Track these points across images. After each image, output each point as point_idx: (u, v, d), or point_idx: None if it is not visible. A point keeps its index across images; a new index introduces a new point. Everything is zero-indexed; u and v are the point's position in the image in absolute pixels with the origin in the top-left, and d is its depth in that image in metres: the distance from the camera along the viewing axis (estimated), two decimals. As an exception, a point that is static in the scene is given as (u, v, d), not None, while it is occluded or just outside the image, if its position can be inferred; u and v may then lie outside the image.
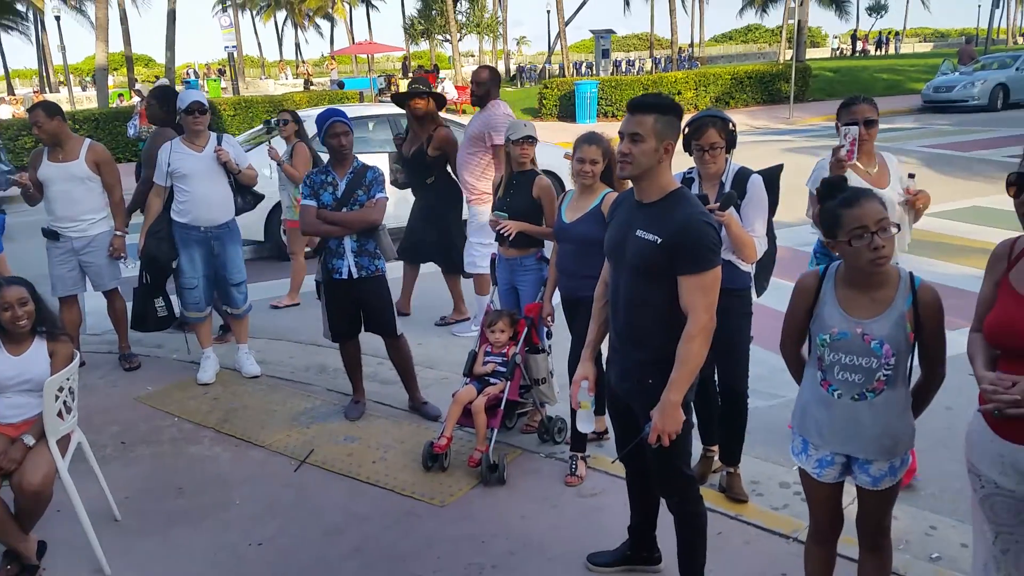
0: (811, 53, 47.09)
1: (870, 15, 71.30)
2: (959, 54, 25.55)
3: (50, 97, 32.86)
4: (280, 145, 6.98)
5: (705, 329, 2.51)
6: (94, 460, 3.58)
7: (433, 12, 44.15)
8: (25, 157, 12.22)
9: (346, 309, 4.50)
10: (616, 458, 3.00)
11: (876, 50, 53.79)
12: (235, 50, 27.46)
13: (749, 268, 3.50)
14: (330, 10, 62.10)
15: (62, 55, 35.02)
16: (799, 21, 22.46)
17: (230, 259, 5.20)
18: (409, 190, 6.32)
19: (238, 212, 5.29)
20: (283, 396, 5.00)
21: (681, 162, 2.93)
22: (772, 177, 3.49)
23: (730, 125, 3.35)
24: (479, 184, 5.69)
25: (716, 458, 3.80)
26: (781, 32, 47.34)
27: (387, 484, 3.91)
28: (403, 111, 6.14)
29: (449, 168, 6.03)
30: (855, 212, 2.30)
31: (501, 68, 46.21)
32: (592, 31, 34.81)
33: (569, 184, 4.82)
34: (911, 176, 3.59)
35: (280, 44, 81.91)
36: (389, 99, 7.05)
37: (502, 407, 4.02)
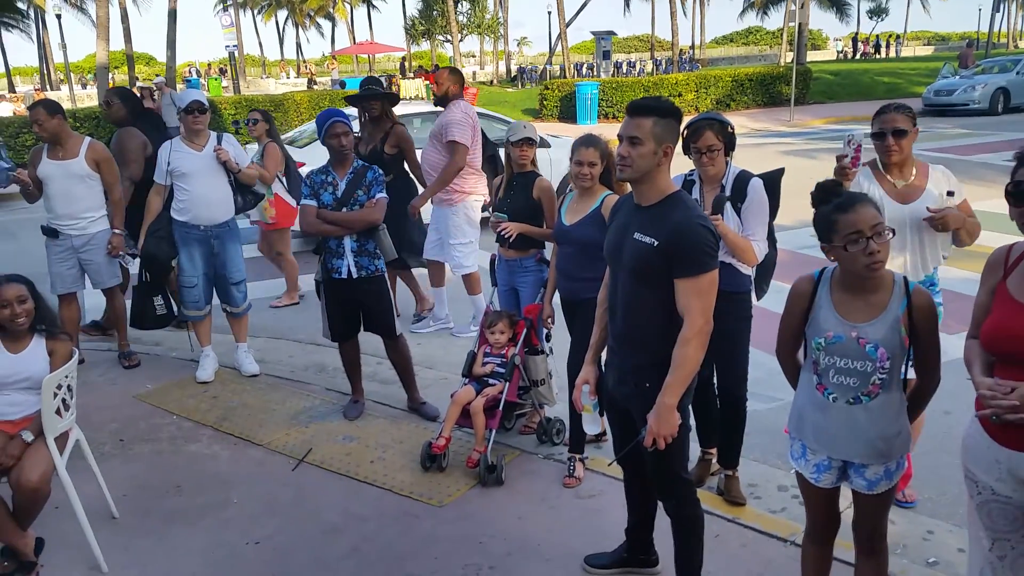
0: (813, 56, 47.21)
1: (871, 18, 71.41)
2: (960, 58, 25.56)
3: (51, 95, 32.82)
4: (252, 147, 6.72)
5: (701, 333, 2.51)
6: (92, 457, 3.59)
7: (434, 13, 44.25)
8: (25, 155, 12.20)
9: (345, 309, 4.51)
10: (613, 460, 3.00)
11: (875, 53, 53.89)
12: (236, 49, 27.48)
13: (749, 271, 3.50)
14: (331, 10, 62.22)
15: (63, 53, 35.10)
16: (800, 24, 22.47)
17: (230, 258, 5.21)
18: None
19: (238, 211, 5.30)
20: (282, 395, 5.00)
21: (682, 164, 2.94)
22: (773, 181, 3.48)
23: (728, 127, 3.35)
24: (460, 183, 5.72)
25: (714, 461, 3.80)
26: (782, 34, 47.40)
27: (385, 484, 3.91)
28: (375, 111, 5.91)
29: (407, 165, 6.03)
30: (850, 217, 2.30)
31: (502, 69, 46.28)
32: (593, 32, 34.85)
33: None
34: (950, 194, 3.30)
35: (281, 43, 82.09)
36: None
37: (501, 408, 4.02)
